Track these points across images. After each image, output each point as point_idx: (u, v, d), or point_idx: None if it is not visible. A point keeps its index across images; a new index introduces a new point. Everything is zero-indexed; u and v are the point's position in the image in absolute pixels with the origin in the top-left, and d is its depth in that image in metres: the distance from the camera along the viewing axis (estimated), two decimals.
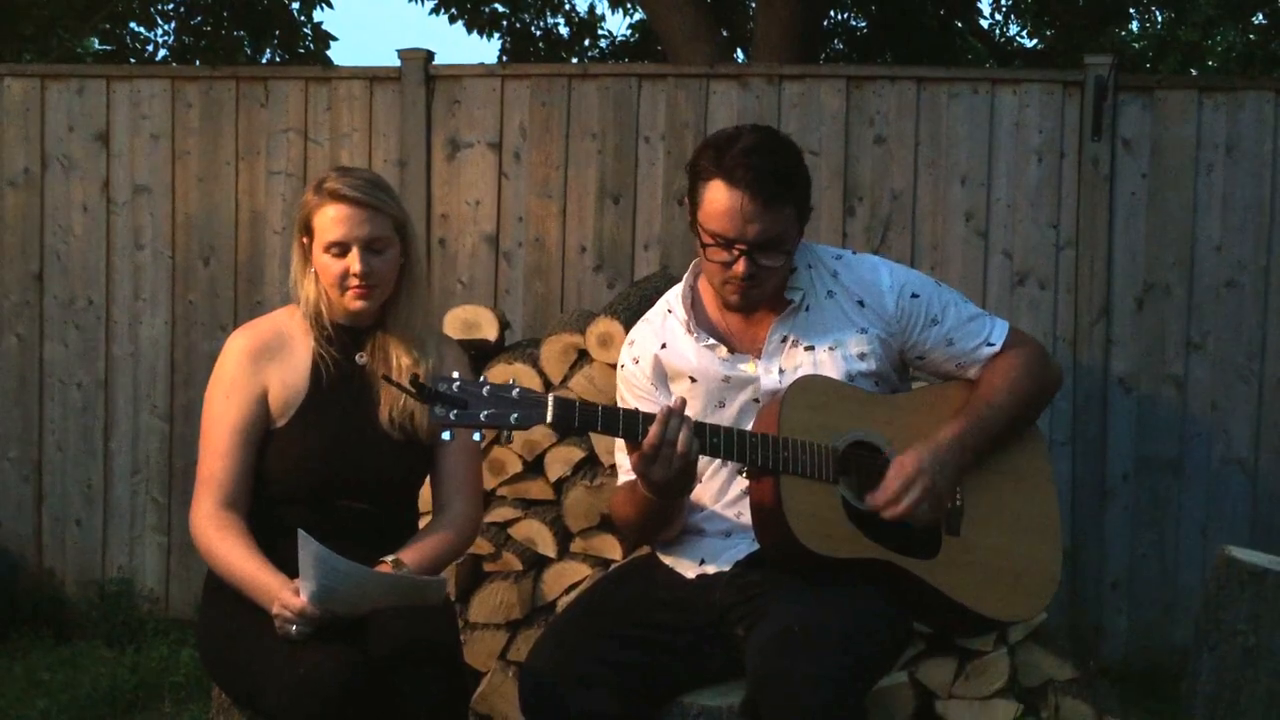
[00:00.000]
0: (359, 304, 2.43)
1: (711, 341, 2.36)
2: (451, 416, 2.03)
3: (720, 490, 2.39)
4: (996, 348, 2.38)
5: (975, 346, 2.38)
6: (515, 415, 2.05)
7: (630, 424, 2.13)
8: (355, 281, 2.39)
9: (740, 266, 2.24)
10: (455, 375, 2.07)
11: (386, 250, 2.42)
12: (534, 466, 3.47)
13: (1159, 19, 11.20)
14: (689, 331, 2.38)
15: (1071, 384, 4.39)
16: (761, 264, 2.25)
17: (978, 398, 2.34)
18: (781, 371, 2.33)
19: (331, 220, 2.38)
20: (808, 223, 2.36)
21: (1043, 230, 4.43)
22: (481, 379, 2.11)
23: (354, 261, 2.38)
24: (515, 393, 2.07)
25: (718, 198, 2.23)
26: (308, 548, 2.15)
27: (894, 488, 2.20)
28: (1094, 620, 4.40)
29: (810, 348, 2.33)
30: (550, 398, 2.08)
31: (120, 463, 4.76)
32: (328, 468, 2.39)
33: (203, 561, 2.44)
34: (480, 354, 3.76)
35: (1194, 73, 9.78)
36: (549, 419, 2.07)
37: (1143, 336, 4.40)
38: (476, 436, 2.10)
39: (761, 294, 2.31)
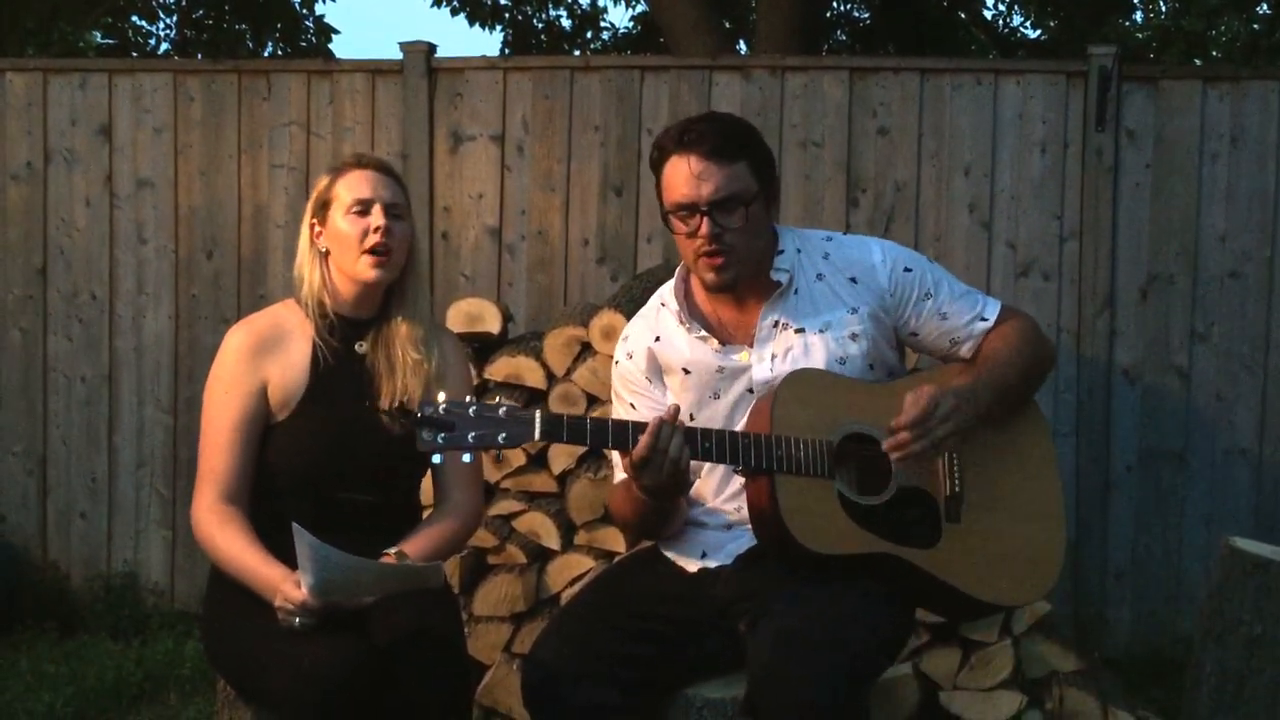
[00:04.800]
0: (374, 272, 2.43)
1: (704, 333, 2.36)
2: (440, 440, 2.05)
3: (719, 485, 2.39)
4: (989, 323, 2.37)
5: (969, 321, 2.37)
6: (503, 435, 2.06)
7: (620, 435, 2.14)
8: (377, 238, 2.41)
9: (703, 229, 2.25)
10: (441, 397, 2.07)
11: (403, 219, 2.47)
12: (538, 459, 3.47)
13: (1163, 9, 11.17)
14: (681, 323, 2.38)
15: (1075, 375, 4.39)
16: (723, 224, 2.25)
17: (984, 358, 2.34)
18: (774, 358, 2.32)
19: (356, 181, 2.45)
20: (778, 194, 2.38)
21: (1046, 221, 4.43)
22: (468, 399, 2.11)
23: (377, 217, 2.42)
24: (502, 411, 2.08)
25: (673, 170, 2.28)
26: (302, 541, 2.16)
27: (918, 409, 2.16)
28: (1098, 611, 4.40)
29: (800, 330, 2.32)
30: (537, 415, 2.09)
31: (124, 456, 4.77)
32: (329, 460, 2.40)
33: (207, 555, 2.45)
34: (483, 347, 3.77)
35: (1198, 63, 9.75)
36: (537, 436, 2.08)
37: (1147, 327, 4.40)
38: (467, 458, 2.10)
39: (736, 263, 2.29)
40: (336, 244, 2.44)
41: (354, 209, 2.43)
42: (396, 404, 2.30)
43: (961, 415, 2.20)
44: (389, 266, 2.44)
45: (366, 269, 2.43)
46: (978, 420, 2.25)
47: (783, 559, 2.21)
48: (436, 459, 2.08)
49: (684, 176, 2.25)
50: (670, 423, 2.13)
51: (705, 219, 2.24)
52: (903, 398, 2.25)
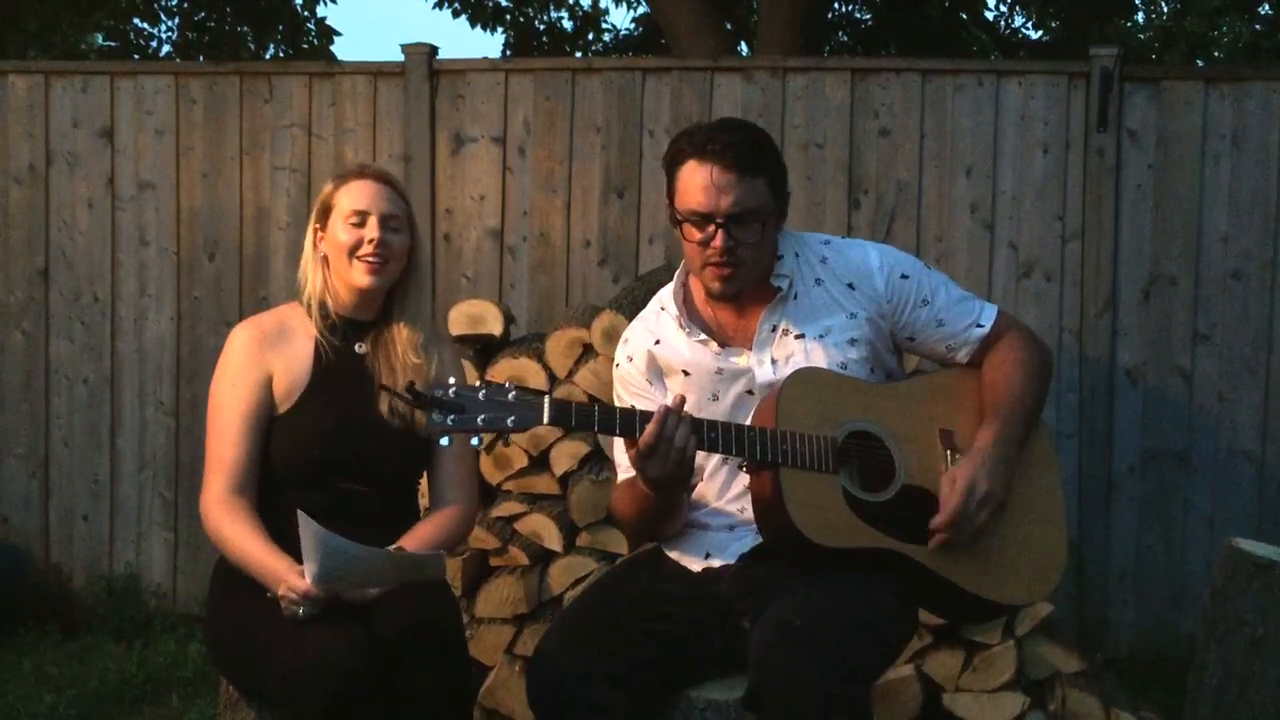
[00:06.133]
0: (368, 279, 2.48)
1: (703, 337, 2.36)
2: (449, 422, 2.05)
3: (722, 487, 2.39)
4: (986, 329, 2.38)
5: (965, 327, 2.38)
6: (512, 418, 2.07)
7: (627, 423, 2.14)
8: (370, 249, 2.47)
9: (718, 241, 2.24)
10: (452, 381, 2.08)
11: (400, 232, 2.52)
12: (540, 461, 3.47)
13: (1165, 9, 11.18)
14: (681, 326, 2.38)
15: (1078, 376, 4.39)
16: (738, 238, 2.25)
17: (996, 393, 2.33)
18: (774, 362, 2.33)
19: (356, 192, 2.51)
20: (788, 208, 2.36)
21: (1048, 222, 4.43)
22: (478, 382, 2.12)
23: (371, 229, 2.48)
24: (512, 395, 2.08)
25: (691, 176, 2.26)
26: (307, 529, 2.18)
27: (955, 504, 2.20)
28: (1100, 612, 4.40)
29: (800, 335, 2.33)
30: (546, 399, 2.09)
31: (127, 458, 4.78)
32: (330, 450, 2.44)
33: (209, 556, 2.48)
34: (485, 348, 3.77)
35: (1200, 63, 9.76)
36: (545, 420, 2.08)
37: (1149, 328, 4.39)
38: (475, 441, 2.11)
39: (743, 275, 2.30)
40: (333, 251, 2.51)
41: (351, 219, 2.49)
42: (406, 383, 2.32)
43: (996, 493, 2.23)
44: (381, 274, 2.50)
45: (359, 275, 2.49)
46: (1011, 467, 2.27)
47: (786, 553, 2.21)
48: (444, 441, 2.08)
49: (702, 185, 2.24)
50: (676, 411, 2.13)
51: (720, 232, 2.24)
52: (905, 397, 2.29)
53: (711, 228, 2.25)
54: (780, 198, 2.32)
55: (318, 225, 2.54)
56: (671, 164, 2.30)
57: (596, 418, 2.14)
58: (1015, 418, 2.30)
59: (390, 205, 2.51)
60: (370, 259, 2.47)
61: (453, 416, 2.05)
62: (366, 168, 2.57)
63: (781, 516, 2.16)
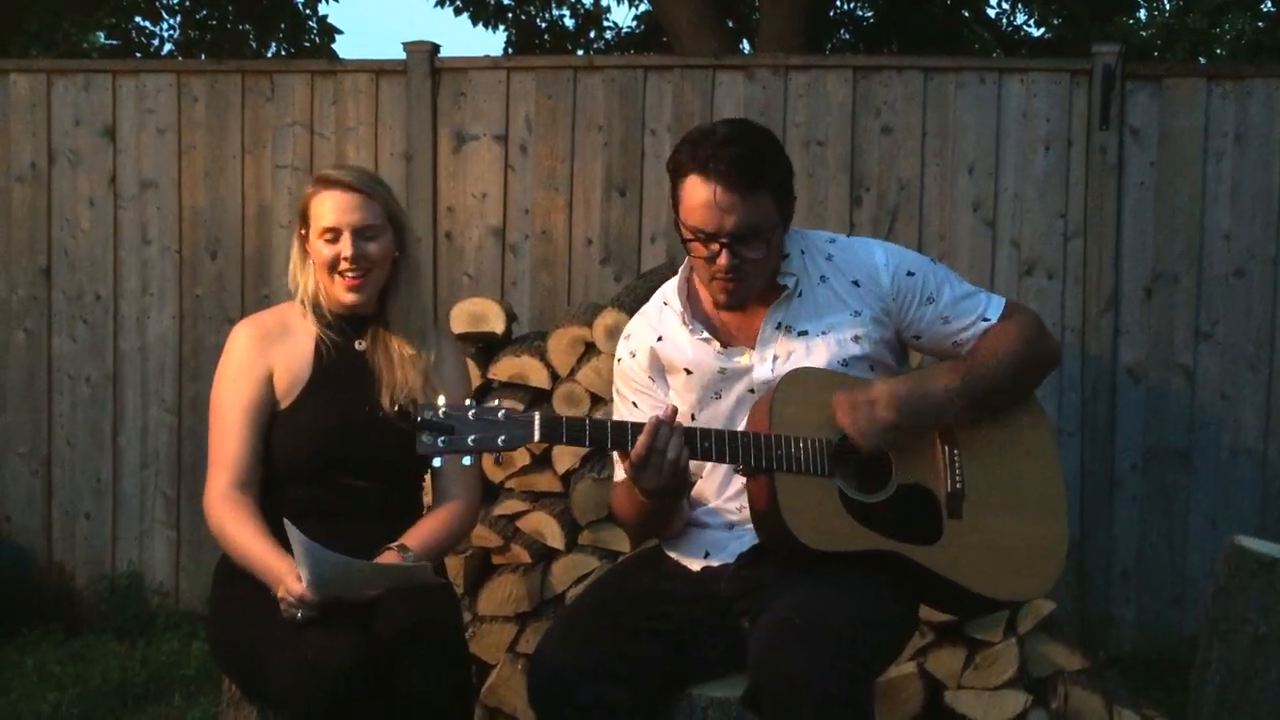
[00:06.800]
0: (351, 295, 2.49)
1: (706, 335, 2.35)
2: (440, 443, 2.06)
3: (721, 486, 2.38)
4: (992, 323, 2.36)
5: (971, 323, 2.36)
6: (503, 438, 2.07)
7: (619, 436, 2.14)
8: (346, 266, 2.46)
9: (722, 259, 2.23)
10: (441, 401, 2.09)
11: (378, 238, 2.49)
12: (542, 459, 3.47)
13: (1167, 7, 11.17)
14: (684, 324, 2.37)
15: (1080, 374, 4.39)
16: (743, 255, 2.24)
17: (970, 357, 2.32)
18: (775, 359, 2.32)
19: (325, 206, 2.47)
20: (793, 211, 2.34)
21: (1050, 220, 4.42)
22: (468, 402, 2.12)
23: (345, 246, 2.45)
24: (501, 414, 2.08)
25: (694, 192, 2.23)
26: (296, 539, 2.19)
27: (858, 401, 2.18)
28: (1103, 610, 4.40)
29: (804, 333, 2.32)
30: (536, 417, 2.09)
31: (129, 457, 4.78)
32: (331, 445, 2.44)
33: (212, 554, 2.48)
34: (487, 346, 3.77)
35: (1202, 61, 9.75)
36: (536, 438, 2.09)
37: (1151, 326, 4.39)
38: (467, 461, 2.11)
39: (749, 289, 2.29)
40: (315, 261, 2.51)
41: (325, 236, 2.47)
42: (396, 406, 2.35)
43: (908, 419, 2.19)
44: (363, 288, 2.49)
45: (341, 291, 2.49)
46: (944, 414, 2.24)
47: (785, 557, 2.21)
48: (437, 462, 2.09)
49: (705, 202, 2.21)
50: (668, 423, 2.13)
51: (725, 250, 2.23)
52: None
53: (716, 246, 2.23)
54: (786, 206, 2.29)
55: (302, 230, 2.52)
56: (675, 174, 2.27)
57: (588, 432, 2.14)
58: (975, 379, 2.27)
59: (363, 215, 2.46)
60: (349, 274, 2.47)
61: (443, 438, 2.05)
62: (334, 178, 2.51)
63: (777, 523, 2.16)
